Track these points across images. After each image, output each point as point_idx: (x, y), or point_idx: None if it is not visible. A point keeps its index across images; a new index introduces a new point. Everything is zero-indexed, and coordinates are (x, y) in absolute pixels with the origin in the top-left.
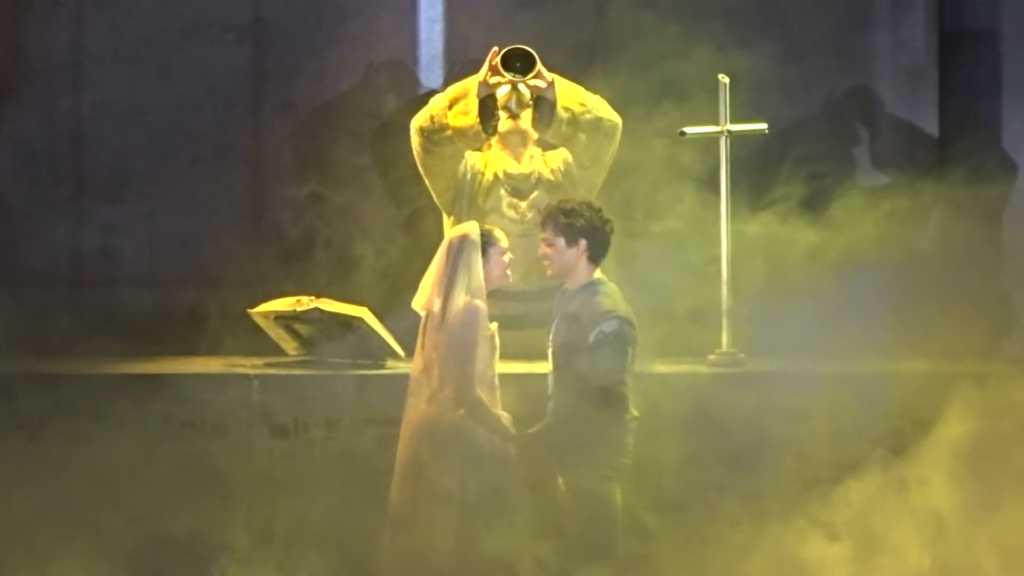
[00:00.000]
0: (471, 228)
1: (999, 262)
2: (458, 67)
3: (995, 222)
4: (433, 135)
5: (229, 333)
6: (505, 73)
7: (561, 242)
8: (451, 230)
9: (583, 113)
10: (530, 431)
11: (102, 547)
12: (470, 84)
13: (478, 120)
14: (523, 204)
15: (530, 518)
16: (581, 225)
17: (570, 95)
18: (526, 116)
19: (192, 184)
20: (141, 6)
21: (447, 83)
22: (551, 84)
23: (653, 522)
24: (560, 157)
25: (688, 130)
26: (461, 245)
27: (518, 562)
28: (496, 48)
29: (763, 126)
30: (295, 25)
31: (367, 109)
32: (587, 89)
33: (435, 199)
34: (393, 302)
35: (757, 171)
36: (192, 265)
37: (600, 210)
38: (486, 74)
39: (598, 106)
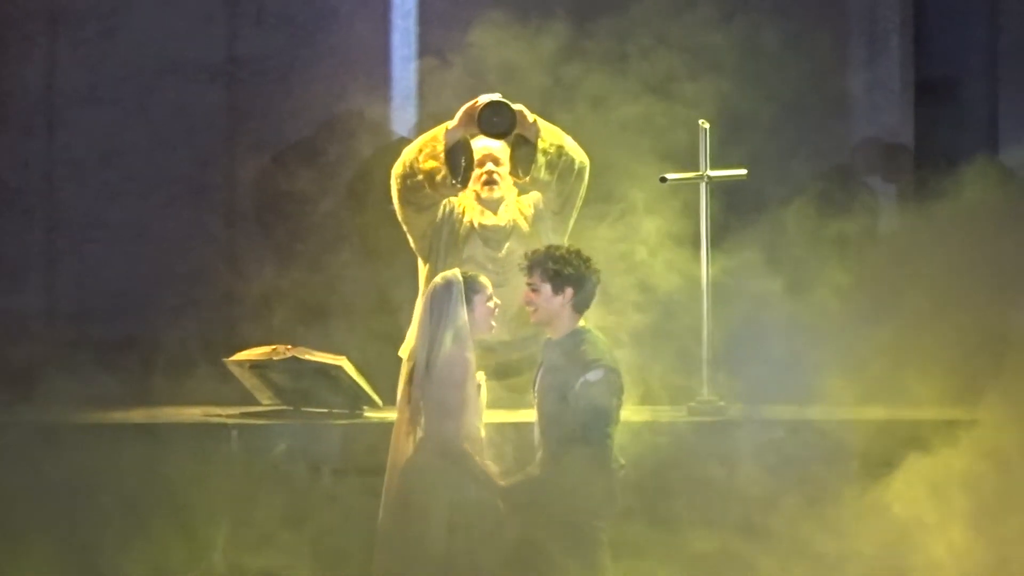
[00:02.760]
0: (454, 275)
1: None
2: (431, 105)
3: (973, 263)
4: (407, 180)
5: (203, 379)
6: (483, 135)
7: (547, 289)
8: (435, 277)
9: (560, 156)
10: (516, 481)
11: None
12: (439, 129)
13: (446, 165)
14: (499, 254)
15: (516, 569)
16: (569, 273)
17: (549, 136)
18: (505, 171)
19: (167, 225)
20: (115, 46)
21: (420, 122)
22: (533, 124)
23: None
24: (531, 201)
25: (669, 176)
26: (444, 292)
27: None
28: (475, 102)
29: (743, 172)
30: (269, 65)
31: (341, 150)
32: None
33: (412, 245)
34: (368, 348)
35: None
36: (166, 308)
37: (588, 260)
38: (458, 121)
39: (572, 149)
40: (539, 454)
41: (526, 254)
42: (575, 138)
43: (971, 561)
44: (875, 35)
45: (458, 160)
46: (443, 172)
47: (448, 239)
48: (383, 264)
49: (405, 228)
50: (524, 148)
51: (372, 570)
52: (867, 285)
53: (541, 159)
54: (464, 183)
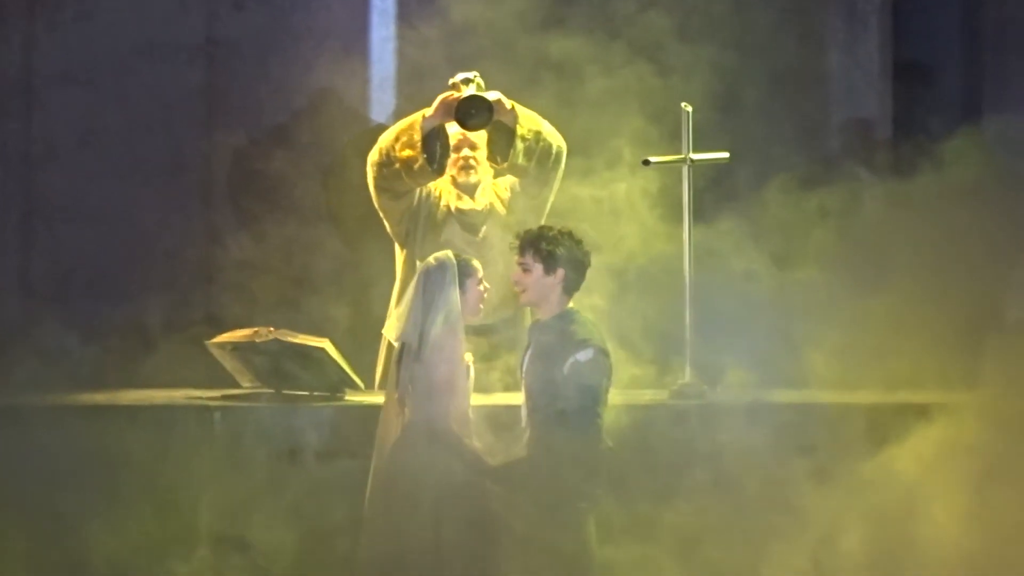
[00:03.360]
0: (447, 257)
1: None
2: (411, 86)
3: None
4: (383, 168)
5: (181, 360)
6: (461, 128)
7: (539, 269)
8: (428, 258)
9: (538, 142)
10: (505, 463)
11: None
12: (416, 117)
13: (423, 154)
14: (477, 238)
15: (505, 551)
16: (561, 254)
17: (527, 123)
18: (481, 155)
19: (145, 206)
20: (93, 27)
21: (399, 103)
22: (511, 111)
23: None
24: (508, 184)
25: (652, 159)
26: (438, 274)
27: None
28: (450, 84)
29: (725, 155)
30: (247, 46)
31: (320, 131)
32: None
33: (388, 231)
34: (347, 330)
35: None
36: (144, 289)
37: (581, 241)
38: (435, 111)
39: (549, 133)
40: (526, 435)
41: (517, 234)
42: (556, 114)
43: (959, 543)
44: (854, 16)
45: (435, 147)
46: (420, 161)
47: (425, 224)
48: (361, 245)
49: (381, 214)
50: (502, 133)
51: (358, 553)
52: (850, 265)
53: (519, 145)
54: (441, 171)
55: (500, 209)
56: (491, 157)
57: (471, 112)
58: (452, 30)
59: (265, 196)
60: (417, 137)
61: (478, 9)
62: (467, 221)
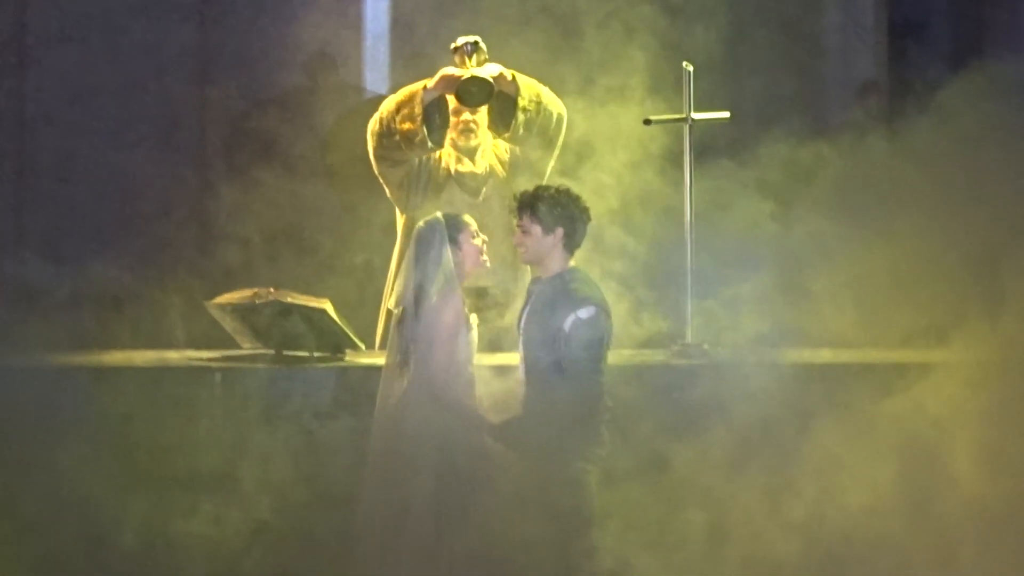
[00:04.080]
0: (435, 217)
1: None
2: (405, 44)
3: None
4: (383, 139)
5: (176, 321)
6: (461, 106)
7: (538, 229)
8: (418, 222)
9: (539, 112)
10: (505, 421)
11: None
12: (417, 88)
13: (423, 127)
14: (477, 200)
15: (505, 510)
16: (559, 213)
17: (528, 93)
18: (482, 118)
19: (138, 164)
20: None
21: (393, 58)
22: (513, 81)
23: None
24: (507, 146)
25: (652, 118)
26: (428, 235)
27: (495, 552)
28: (452, 48)
29: (726, 114)
30: (241, 4)
31: (313, 89)
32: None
33: (388, 195)
34: (345, 290)
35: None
36: (138, 247)
37: (578, 198)
38: (436, 85)
39: (550, 101)
40: (524, 394)
41: (515, 195)
42: (554, 72)
43: (967, 496)
44: None
45: (435, 120)
46: (421, 135)
47: (425, 187)
48: (358, 204)
49: (381, 180)
50: (504, 103)
51: (358, 513)
52: (850, 219)
53: (521, 117)
54: (440, 144)
55: (500, 172)
56: (492, 127)
57: (472, 91)
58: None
59: (260, 153)
60: (418, 111)
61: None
62: (467, 184)
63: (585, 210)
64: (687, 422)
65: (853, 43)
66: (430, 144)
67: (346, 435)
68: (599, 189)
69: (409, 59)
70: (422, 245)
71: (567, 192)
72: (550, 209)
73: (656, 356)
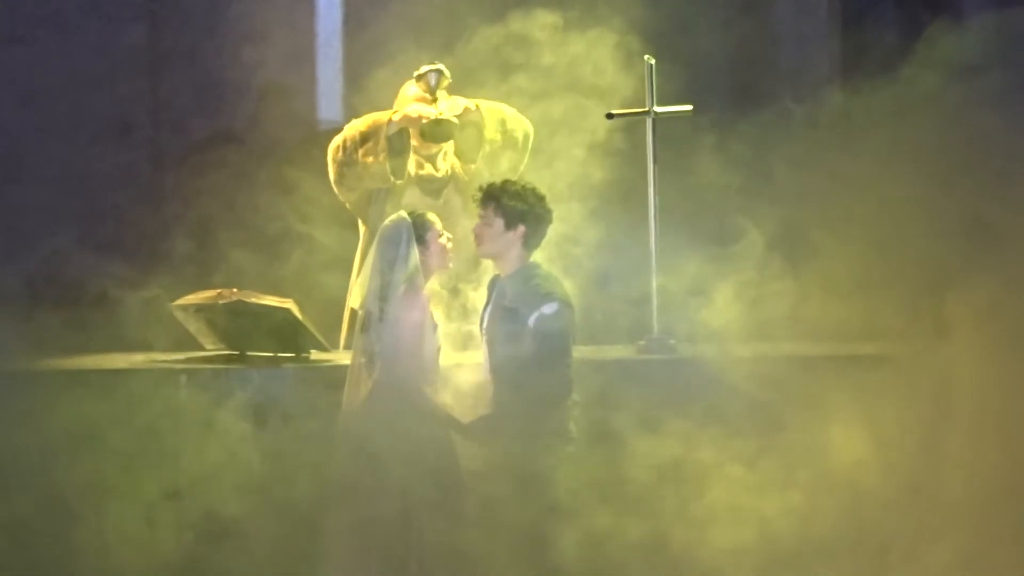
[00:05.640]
0: (401, 217)
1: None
2: (359, 40)
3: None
4: (344, 168)
5: (132, 322)
6: (425, 141)
7: (500, 223)
8: (384, 221)
9: (505, 138)
10: (473, 420)
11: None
12: (381, 120)
13: (387, 164)
14: (438, 202)
15: (473, 506)
16: (523, 210)
17: (492, 122)
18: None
19: (91, 166)
20: None
21: (347, 58)
22: (476, 111)
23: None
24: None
25: (615, 112)
26: (394, 235)
27: (465, 549)
28: (416, 76)
29: (688, 108)
30: (191, 2)
31: (267, 88)
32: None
33: (348, 207)
34: (304, 290)
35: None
36: (93, 248)
37: (544, 197)
38: (400, 121)
39: (515, 123)
40: (489, 392)
41: (480, 186)
42: (513, 84)
43: (922, 490)
44: None
45: (398, 154)
46: (384, 171)
47: (386, 195)
48: (313, 203)
49: (340, 197)
50: (469, 134)
51: (326, 515)
52: (812, 216)
53: (487, 147)
54: (402, 176)
55: (462, 174)
56: (459, 157)
57: (435, 131)
58: None
59: (216, 153)
60: (382, 145)
61: None
62: (428, 187)
63: (549, 211)
64: (655, 416)
65: (809, 32)
66: (393, 179)
67: (312, 436)
68: (560, 181)
69: (363, 54)
70: (388, 244)
71: (533, 190)
72: (515, 204)
73: (622, 351)
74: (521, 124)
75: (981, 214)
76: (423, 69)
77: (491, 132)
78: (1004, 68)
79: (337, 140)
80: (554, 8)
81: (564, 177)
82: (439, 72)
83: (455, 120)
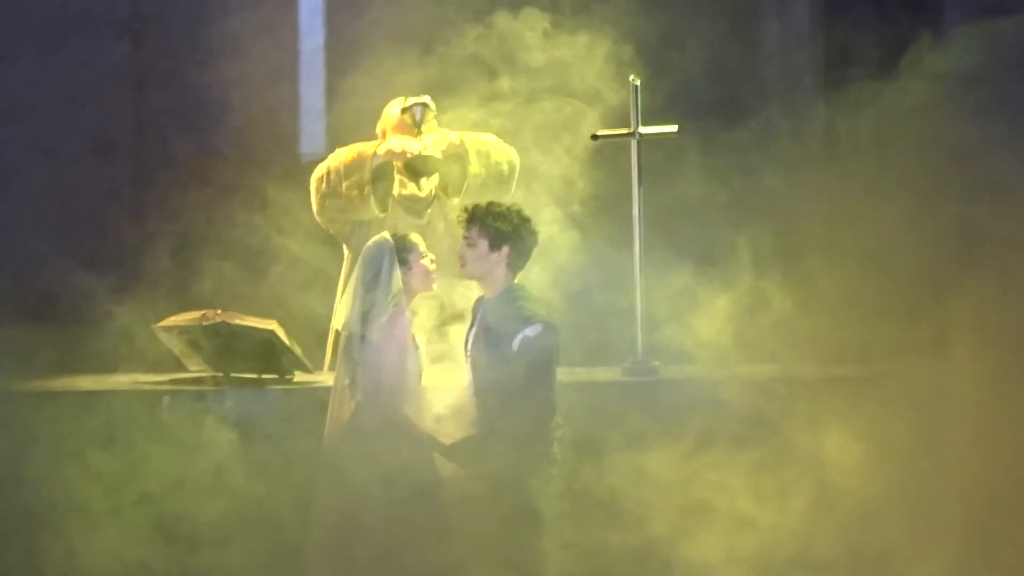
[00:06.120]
0: (384, 238)
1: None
2: (342, 58)
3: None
4: (327, 200)
5: (114, 341)
6: (408, 177)
7: (484, 244)
8: (367, 242)
9: (489, 170)
10: (456, 441)
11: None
12: (366, 152)
13: (371, 199)
14: (421, 221)
15: (457, 529)
16: (507, 231)
17: (477, 156)
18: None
19: (75, 183)
20: (20, 1)
21: (329, 75)
22: (461, 144)
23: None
24: (448, 140)
25: (599, 133)
26: (377, 255)
27: (448, 570)
28: (402, 110)
29: (674, 128)
30: (175, 19)
31: (249, 105)
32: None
33: (331, 233)
34: (287, 309)
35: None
36: (77, 266)
37: (529, 219)
38: (384, 155)
39: (500, 155)
40: (473, 413)
41: (465, 207)
42: (495, 104)
43: (909, 510)
44: None
45: (381, 189)
46: (369, 204)
47: (368, 219)
48: (296, 221)
49: (322, 225)
50: (454, 168)
51: (310, 536)
52: (796, 238)
53: (473, 182)
54: (386, 209)
55: (444, 194)
56: (443, 192)
57: (419, 167)
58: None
59: (199, 169)
60: (367, 179)
61: None
62: (411, 206)
63: (534, 232)
64: (640, 438)
65: (794, 47)
66: (377, 212)
67: (296, 457)
68: (547, 202)
69: (346, 73)
70: (370, 265)
71: (518, 212)
72: (500, 226)
73: (607, 373)
74: (506, 155)
75: (969, 226)
76: (408, 102)
77: (476, 166)
78: (988, 79)
79: (320, 170)
80: (539, 29)
81: (546, 192)
82: (424, 106)
83: (439, 155)
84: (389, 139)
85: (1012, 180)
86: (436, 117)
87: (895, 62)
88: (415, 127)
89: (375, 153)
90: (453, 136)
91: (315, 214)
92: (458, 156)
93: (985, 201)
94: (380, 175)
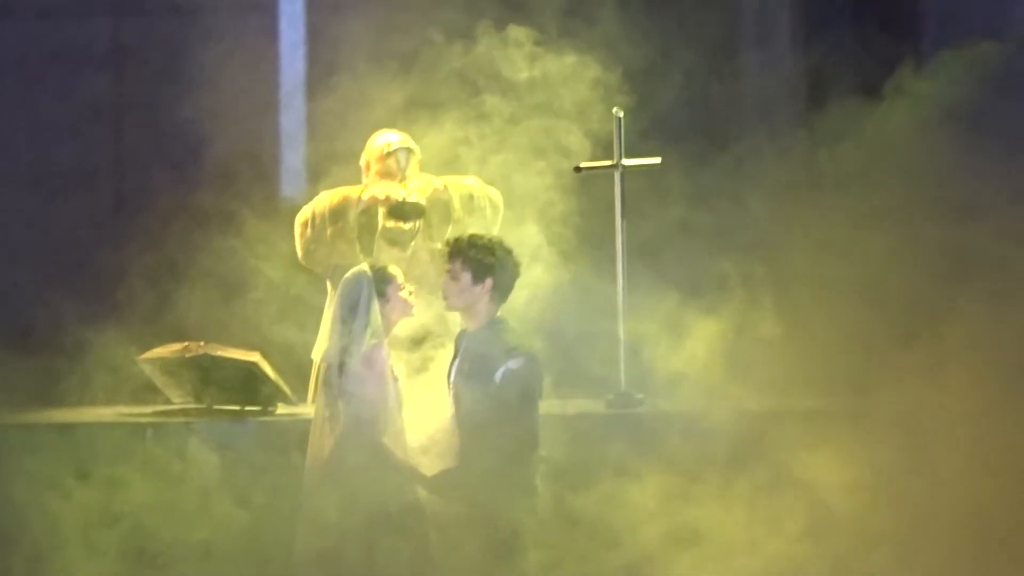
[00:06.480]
0: (362, 269)
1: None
2: (321, 90)
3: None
4: (311, 244)
5: (97, 373)
6: (394, 221)
7: (467, 277)
8: (346, 273)
9: (472, 213)
10: (438, 473)
11: None
12: (351, 196)
13: (356, 245)
14: (405, 254)
15: (438, 560)
16: (490, 263)
17: (458, 197)
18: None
19: (56, 216)
20: (0, 34)
21: (309, 107)
22: (445, 190)
23: None
24: (432, 186)
25: (583, 165)
26: (355, 287)
27: None
28: (385, 153)
29: (657, 160)
30: (155, 52)
31: (229, 137)
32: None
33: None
34: (269, 341)
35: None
36: (55, 299)
37: (511, 251)
38: (369, 200)
39: (482, 198)
40: (456, 445)
41: (447, 240)
42: (476, 129)
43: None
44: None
45: (366, 230)
46: (354, 249)
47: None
48: (278, 252)
49: (307, 266)
50: (438, 209)
51: (292, 569)
52: (781, 265)
53: (456, 228)
54: (371, 253)
55: (428, 239)
56: (426, 238)
57: (403, 213)
58: (362, 32)
59: (179, 203)
60: (352, 225)
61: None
62: (395, 239)
63: (517, 264)
64: (623, 470)
65: (775, 78)
66: (362, 257)
67: (278, 489)
68: (529, 234)
69: (325, 106)
70: (348, 297)
71: (501, 244)
72: (482, 258)
73: (590, 405)
74: (489, 197)
75: (957, 249)
76: (392, 147)
77: (459, 212)
78: (971, 102)
79: (306, 213)
80: (523, 60)
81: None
82: (408, 150)
83: (423, 202)
84: (373, 186)
85: (997, 203)
86: (420, 161)
87: (878, 87)
88: (399, 172)
89: (359, 198)
90: (437, 182)
91: (299, 257)
92: (442, 201)
93: (971, 224)
94: (364, 220)
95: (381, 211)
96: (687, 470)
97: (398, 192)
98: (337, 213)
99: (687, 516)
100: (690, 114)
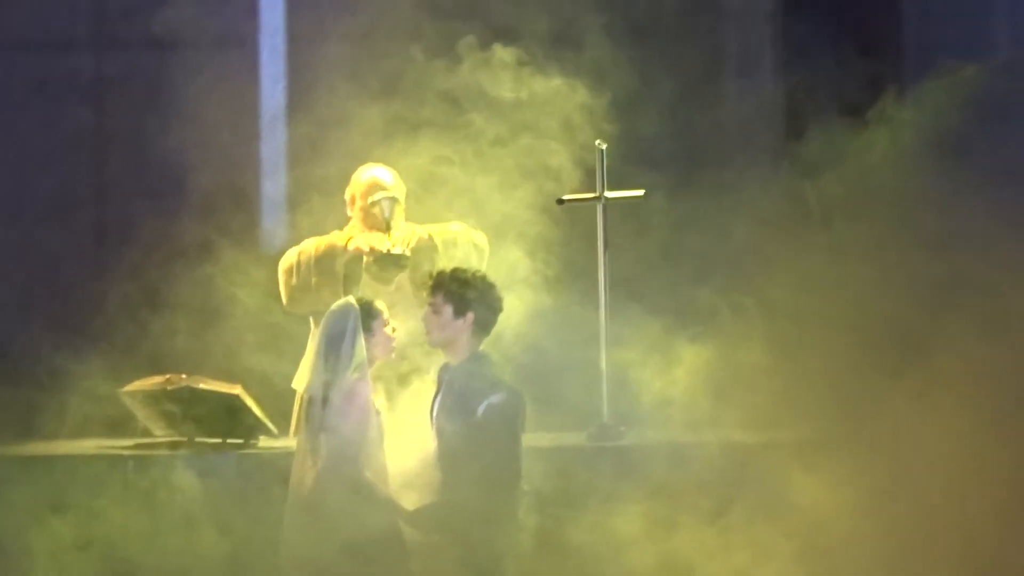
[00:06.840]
0: (348, 303)
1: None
2: (304, 124)
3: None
4: (297, 292)
5: (79, 404)
6: (376, 272)
7: (449, 310)
8: (332, 305)
9: (460, 261)
10: (420, 507)
11: None
12: (337, 244)
13: (342, 287)
14: (389, 288)
15: None
16: (473, 297)
17: (443, 245)
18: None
19: (37, 246)
20: None
21: (292, 139)
22: (429, 240)
23: None
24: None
25: (565, 197)
26: (341, 320)
27: None
28: (370, 203)
29: (640, 192)
30: (137, 83)
31: (212, 168)
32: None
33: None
34: (250, 372)
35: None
36: (38, 330)
37: (494, 286)
38: (354, 250)
39: (467, 245)
40: (438, 479)
41: (430, 273)
42: (456, 153)
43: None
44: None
45: (351, 279)
46: (338, 296)
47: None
48: (259, 284)
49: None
50: (424, 257)
51: None
52: (766, 303)
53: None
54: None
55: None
56: (411, 281)
57: (388, 264)
58: (342, 62)
59: (160, 233)
60: (337, 274)
61: (362, 28)
62: (379, 274)
63: (499, 299)
64: (605, 502)
65: (757, 110)
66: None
67: (260, 522)
68: (512, 265)
69: (310, 136)
70: (334, 329)
71: (484, 278)
72: (464, 292)
73: (572, 438)
74: (474, 242)
75: (944, 277)
76: (377, 196)
77: (444, 260)
78: (955, 129)
79: (290, 259)
80: (508, 85)
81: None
82: (393, 199)
83: (408, 253)
84: (358, 236)
85: (984, 229)
86: (404, 210)
87: (861, 114)
88: (384, 222)
89: (345, 248)
90: (421, 231)
91: (283, 302)
92: (427, 250)
93: (958, 251)
94: (349, 268)
95: (366, 261)
96: (671, 501)
97: (383, 243)
98: (323, 262)
99: (672, 546)
100: (673, 141)
